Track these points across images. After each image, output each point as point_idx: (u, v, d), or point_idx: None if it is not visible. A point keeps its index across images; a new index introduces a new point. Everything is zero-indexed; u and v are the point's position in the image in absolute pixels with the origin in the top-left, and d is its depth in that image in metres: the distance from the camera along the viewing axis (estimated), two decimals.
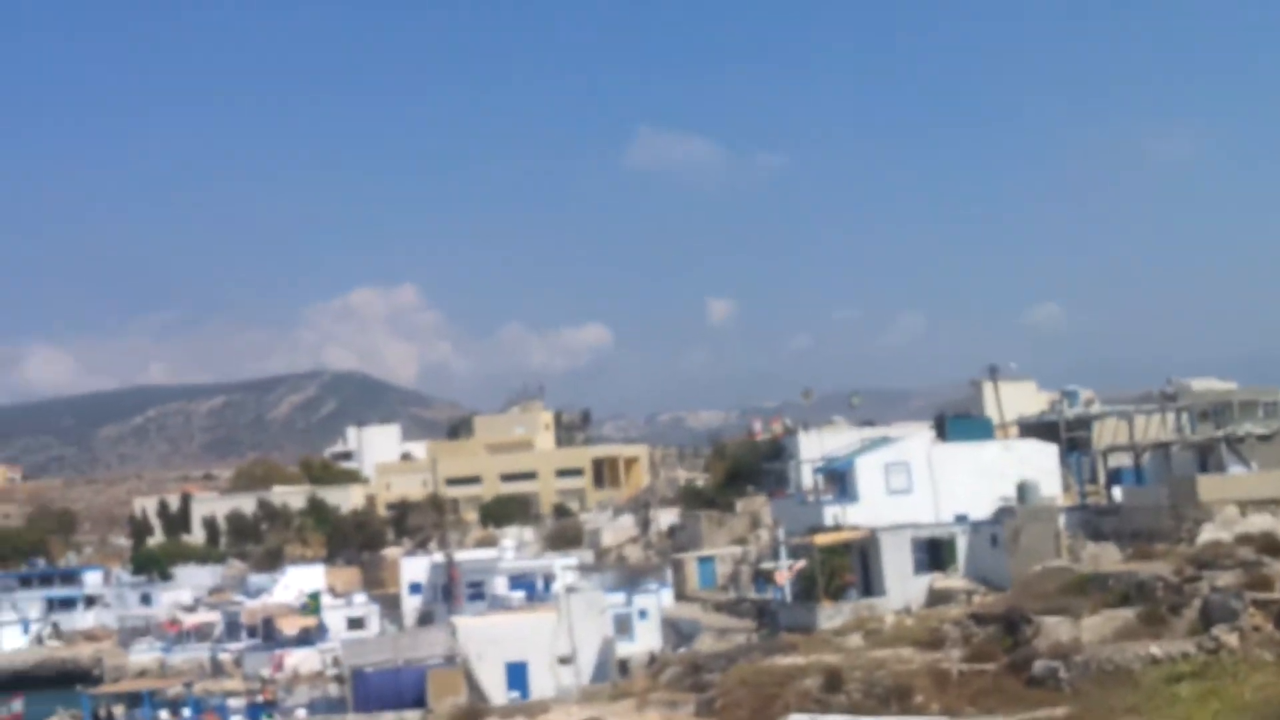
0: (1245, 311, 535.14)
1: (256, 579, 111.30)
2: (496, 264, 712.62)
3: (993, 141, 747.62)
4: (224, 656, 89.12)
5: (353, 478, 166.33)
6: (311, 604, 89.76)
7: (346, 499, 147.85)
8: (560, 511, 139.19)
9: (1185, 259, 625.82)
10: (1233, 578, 39.62)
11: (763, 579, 75.42)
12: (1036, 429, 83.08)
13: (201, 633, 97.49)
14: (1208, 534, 52.07)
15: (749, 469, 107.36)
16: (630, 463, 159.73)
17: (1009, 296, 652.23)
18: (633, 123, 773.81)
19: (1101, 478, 76.32)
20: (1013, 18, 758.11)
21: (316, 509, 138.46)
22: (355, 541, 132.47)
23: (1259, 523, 52.69)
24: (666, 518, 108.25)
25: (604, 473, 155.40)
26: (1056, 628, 40.06)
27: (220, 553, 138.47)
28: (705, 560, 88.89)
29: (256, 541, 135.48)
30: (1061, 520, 60.50)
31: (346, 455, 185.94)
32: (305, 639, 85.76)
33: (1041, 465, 69.09)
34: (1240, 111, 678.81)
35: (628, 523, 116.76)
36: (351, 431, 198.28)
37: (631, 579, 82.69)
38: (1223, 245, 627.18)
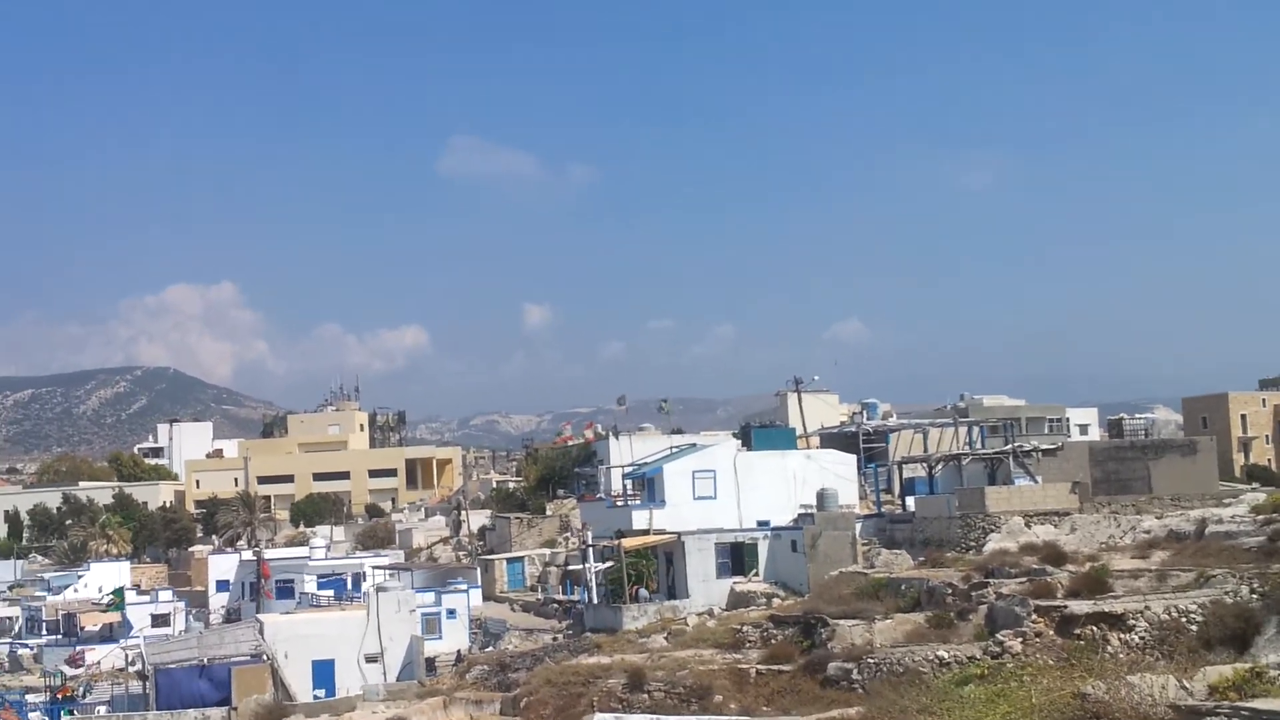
0: (1035, 333, 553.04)
1: (59, 574, 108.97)
2: (315, 265, 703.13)
3: (804, 166, 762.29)
4: (23, 652, 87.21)
5: (162, 474, 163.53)
6: (115, 600, 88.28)
7: (155, 495, 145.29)
8: (372, 511, 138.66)
9: (982, 283, 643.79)
10: (1017, 585, 41.42)
11: (571, 580, 76.58)
12: (837, 439, 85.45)
13: (0, 628, 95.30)
14: (994, 543, 54.07)
15: (560, 473, 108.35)
16: (443, 464, 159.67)
17: (815, 312, 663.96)
18: (446, 132, 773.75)
19: (897, 487, 78.69)
20: (838, 55, 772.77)
21: (124, 505, 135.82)
22: (163, 538, 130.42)
23: (1042, 533, 54.96)
24: (478, 519, 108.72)
25: (417, 474, 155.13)
26: (851, 631, 41.30)
27: (23, 547, 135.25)
28: (514, 561, 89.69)
29: (61, 537, 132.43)
30: (858, 528, 62.37)
31: (157, 451, 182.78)
32: (108, 635, 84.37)
33: (840, 474, 71.22)
34: (1034, 146, 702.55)
35: (439, 523, 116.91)
36: (162, 428, 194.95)
37: (441, 579, 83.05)
38: (1016, 270, 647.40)
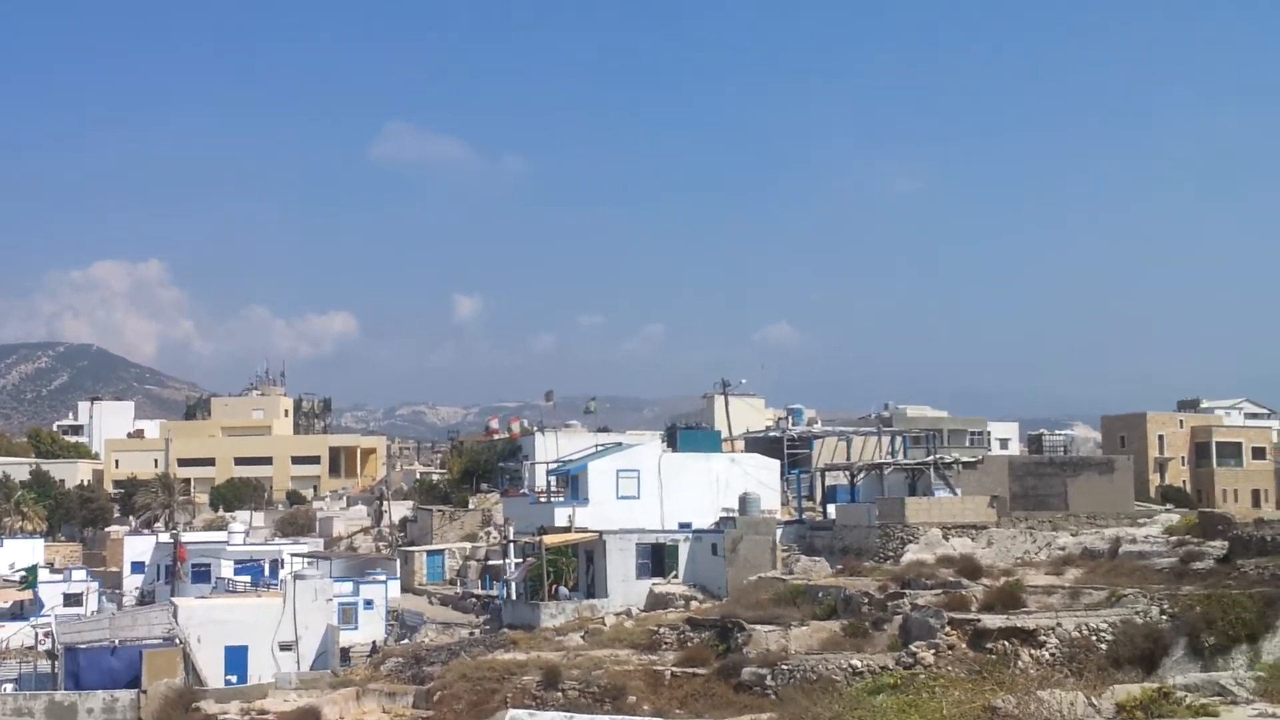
0: (958, 346, 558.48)
1: None
2: (244, 247, 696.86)
3: (739, 165, 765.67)
4: None
5: (81, 453, 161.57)
6: (27, 578, 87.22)
7: (73, 474, 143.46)
8: (293, 498, 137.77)
9: (911, 292, 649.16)
10: (932, 597, 41.92)
11: (490, 575, 76.46)
12: (761, 444, 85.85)
13: None
14: (912, 554, 54.60)
15: (485, 467, 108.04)
16: (368, 454, 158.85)
17: (745, 313, 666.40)
18: (382, 117, 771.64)
19: (819, 494, 79.11)
20: (775, 54, 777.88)
21: (40, 482, 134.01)
22: (79, 517, 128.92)
23: (960, 545, 55.56)
24: (400, 510, 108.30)
25: (341, 462, 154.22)
26: (767, 636, 41.70)
27: None
28: (434, 554, 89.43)
29: None
30: (779, 533, 62.69)
31: (76, 429, 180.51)
32: (19, 613, 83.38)
33: (764, 479, 71.57)
34: (960, 152, 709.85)
35: (360, 513, 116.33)
36: (83, 405, 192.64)
37: (360, 569, 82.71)
38: (943, 281, 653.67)
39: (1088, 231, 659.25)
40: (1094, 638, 35.16)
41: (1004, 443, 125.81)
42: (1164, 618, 35.61)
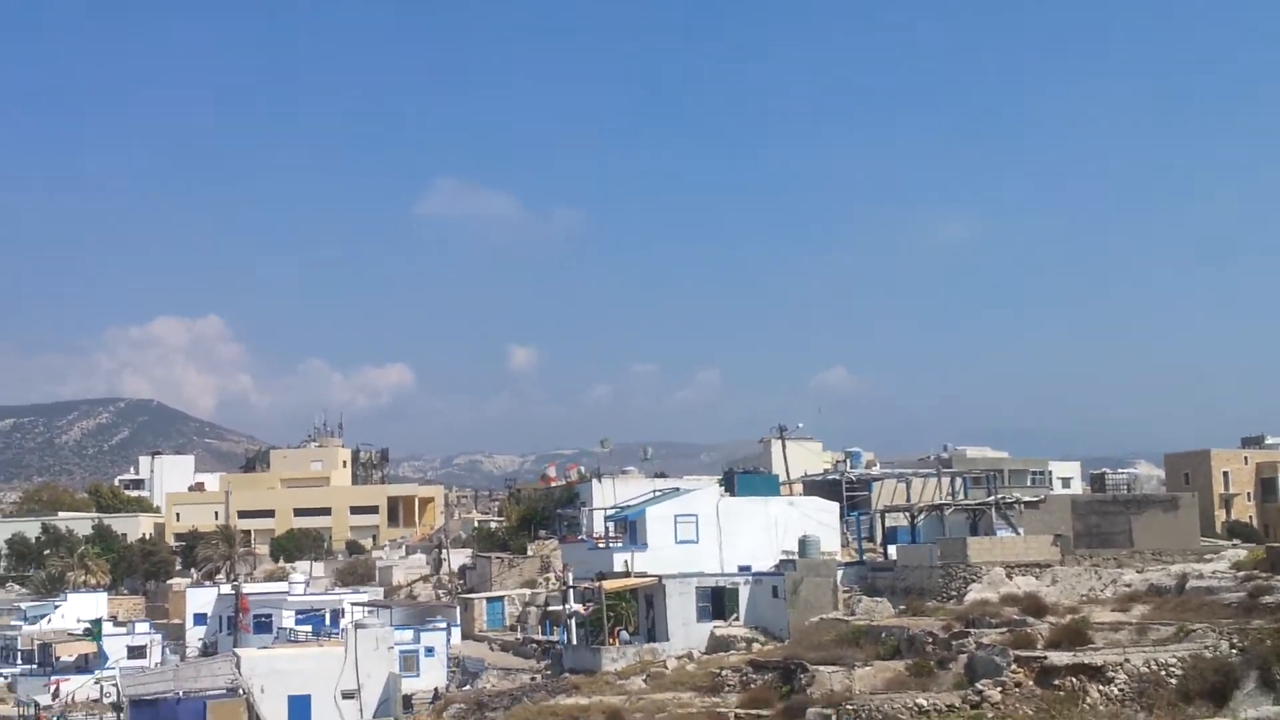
0: (1019, 386, 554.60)
1: (36, 604, 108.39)
2: (301, 300, 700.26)
3: (792, 210, 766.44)
4: None
5: (143, 506, 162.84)
6: (92, 631, 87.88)
7: (135, 527, 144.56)
8: (353, 548, 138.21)
9: (968, 334, 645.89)
10: (997, 635, 41.51)
11: (550, 621, 76.33)
12: (820, 487, 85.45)
13: None
14: (975, 593, 54.14)
15: (542, 514, 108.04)
16: (425, 503, 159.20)
17: (801, 359, 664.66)
18: (432, 174, 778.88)
19: (879, 536, 78.74)
20: (827, 104, 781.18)
21: (103, 536, 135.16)
22: (141, 570, 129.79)
23: (1023, 584, 55.05)
24: (458, 558, 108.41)
25: (399, 511, 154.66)
26: (831, 677, 41.38)
27: (0, 577, 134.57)
28: (494, 601, 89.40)
29: (39, 567, 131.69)
30: (839, 575, 62.49)
31: (138, 483, 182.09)
32: (84, 666, 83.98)
33: (823, 521, 71.39)
34: (1012, 201, 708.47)
35: (419, 561, 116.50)
36: (144, 460, 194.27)
37: (420, 617, 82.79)
38: (997, 321, 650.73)
39: (1145, 267, 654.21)
40: (1163, 673, 34.66)
41: (1066, 482, 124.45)
42: (1234, 652, 35.08)
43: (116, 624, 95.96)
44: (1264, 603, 40.93)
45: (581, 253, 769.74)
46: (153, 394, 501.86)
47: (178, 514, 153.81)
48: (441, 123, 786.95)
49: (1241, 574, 47.71)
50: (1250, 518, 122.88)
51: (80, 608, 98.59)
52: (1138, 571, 55.98)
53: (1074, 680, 35.14)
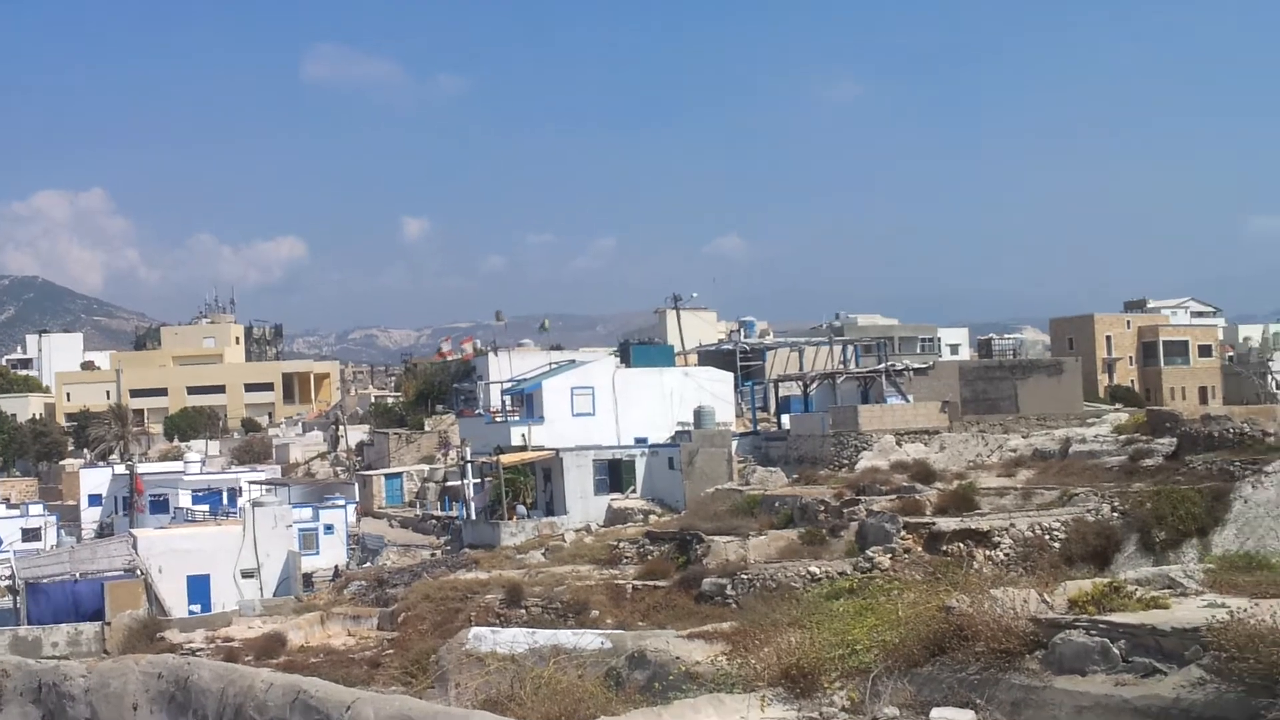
0: (908, 252, 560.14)
1: None
2: (187, 173, 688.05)
3: (683, 80, 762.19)
4: None
5: (31, 386, 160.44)
6: None
7: (24, 408, 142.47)
8: (248, 426, 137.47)
9: (856, 201, 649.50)
10: (887, 503, 42.48)
11: (449, 496, 76.74)
12: (715, 357, 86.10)
13: None
14: (866, 461, 55.07)
15: (439, 388, 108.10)
16: (321, 379, 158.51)
17: (696, 227, 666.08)
18: (309, 39, 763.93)
19: (773, 405, 79.57)
20: None
21: None
22: (33, 452, 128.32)
23: (913, 451, 56.13)
24: (356, 435, 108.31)
25: (294, 388, 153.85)
26: (726, 547, 42.11)
27: None
28: (393, 477, 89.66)
29: None
30: (734, 445, 63.21)
31: (25, 363, 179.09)
32: None
33: (717, 392, 72.05)
34: (894, 63, 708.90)
35: (316, 438, 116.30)
36: (31, 339, 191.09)
37: (319, 494, 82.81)
38: (885, 187, 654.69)
39: (1033, 134, 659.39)
40: (1047, 537, 35.71)
41: (954, 348, 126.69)
42: (1115, 515, 36.19)
43: (9, 506, 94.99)
44: (1144, 466, 42.15)
45: (469, 121, 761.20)
46: (38, 270, 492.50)
47: (68, 394, 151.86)
48: None
49: (1123, 438, 48.95)
50: (1132, 381, 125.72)
51: None
52: (1023, 437, 57.17)
53: (961, 545, 36.12)
